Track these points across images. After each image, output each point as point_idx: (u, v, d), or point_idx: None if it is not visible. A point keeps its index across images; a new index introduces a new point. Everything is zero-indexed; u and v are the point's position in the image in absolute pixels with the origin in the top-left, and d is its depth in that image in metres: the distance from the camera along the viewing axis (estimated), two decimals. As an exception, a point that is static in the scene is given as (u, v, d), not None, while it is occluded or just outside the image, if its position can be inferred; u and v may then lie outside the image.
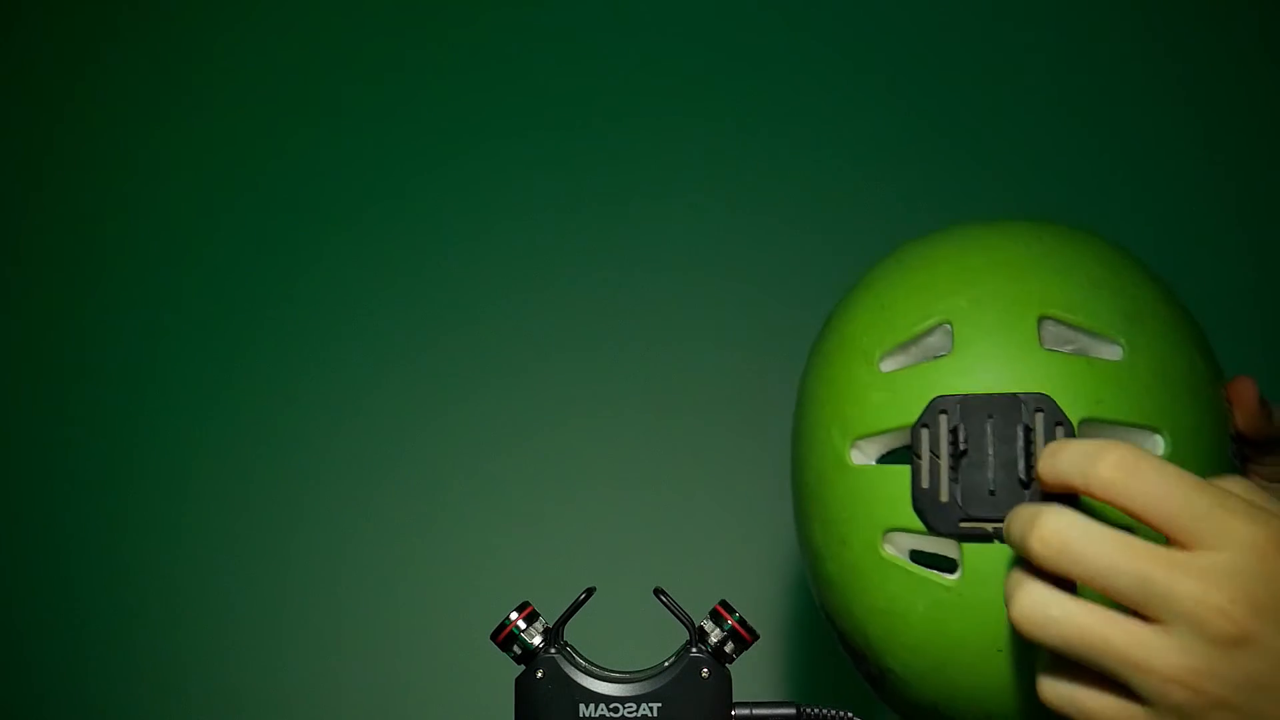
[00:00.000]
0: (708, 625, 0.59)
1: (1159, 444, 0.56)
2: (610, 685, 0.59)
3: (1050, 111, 1.04)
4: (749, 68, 1.04)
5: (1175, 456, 0.56)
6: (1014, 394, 0.56)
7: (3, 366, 1.06)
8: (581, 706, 0.58)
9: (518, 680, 0.59)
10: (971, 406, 0.56)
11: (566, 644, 0.60)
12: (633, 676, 0.59)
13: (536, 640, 0.59)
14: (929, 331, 0.58)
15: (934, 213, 0.97)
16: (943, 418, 0.56)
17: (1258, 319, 1.00)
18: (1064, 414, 0.55)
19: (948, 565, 0.56)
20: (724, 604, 0.60)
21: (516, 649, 0.60)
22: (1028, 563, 0.50)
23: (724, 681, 0.59)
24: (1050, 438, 0.55)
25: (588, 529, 0.99)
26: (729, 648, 0.59)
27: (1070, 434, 0.55)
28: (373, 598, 1.04)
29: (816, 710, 0.61)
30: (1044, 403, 0.56)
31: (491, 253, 1.03)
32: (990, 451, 0.56)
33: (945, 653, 0.56)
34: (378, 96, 1.05)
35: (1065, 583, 0.51)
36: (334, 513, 1.04)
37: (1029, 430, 0.55)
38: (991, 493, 0.55)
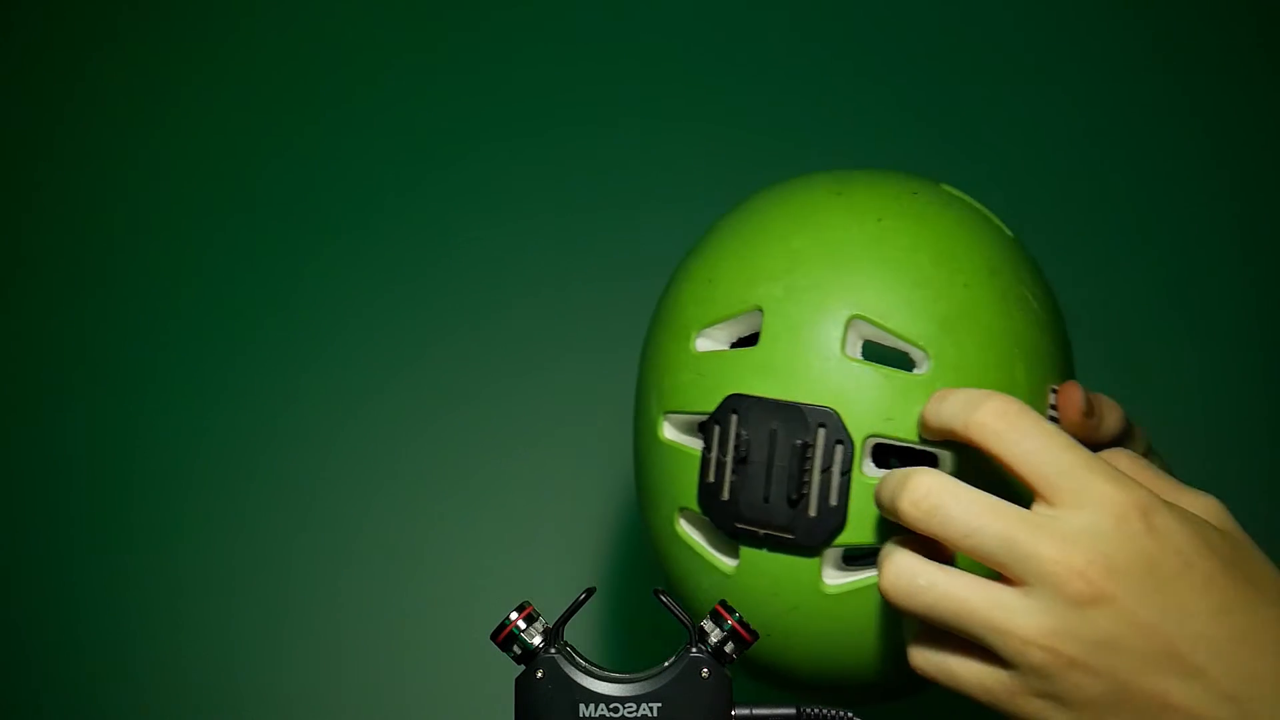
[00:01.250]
0: (708, 625, 0.59)
1: (946, 462, 0.56)
2: (610, 685, 0.59)
3: (1050, 110, 1.04)
4: (756, 70, 1.04)
5: (959, 474, 0.56)
6: (799, 406, 0.56)
7: (3, 366, 1.06)
8: (581, 706, 0.58)
9: (518, 680, 0.59)
10: (758, 414, 0.57)
11: (566, 644, 0.60)
12: (633, 676, 0.59)
13: (536, 640, 0.59)
14: (743, 315, 0.59)
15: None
16: (734, 417, 0.57)
17: (1258, 319, 1.00)
18: (846, 432, 0.56)
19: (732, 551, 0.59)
20: (724, 604, 0.60)
21: (516, 649, 0.59)
22: (898, 536, 0.52)
23: (724, 681, 0.59)
24: (829, 456, 0.56)
25: (588, 529, 0.99)
26: (729, 648, 0.59)
27: (850, 454, 0.56)
28: (373, 598, 1.04)
29: (816, 710, 0.61)
30: (827, 418, 0.56)
31: (495, 255, 1.03)
32: (768, 462, 0.57)
33: None
34: (378, 96, 1.05)
35: (935, 552, 0.52)
36: (334, 512, 1.04)
37: (808, 447, 0.56)
38: (766, 500, 0.57)
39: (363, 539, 1.03)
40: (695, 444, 0.60)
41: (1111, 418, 0.61)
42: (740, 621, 0.59)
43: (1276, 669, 0.48)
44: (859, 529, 0.57)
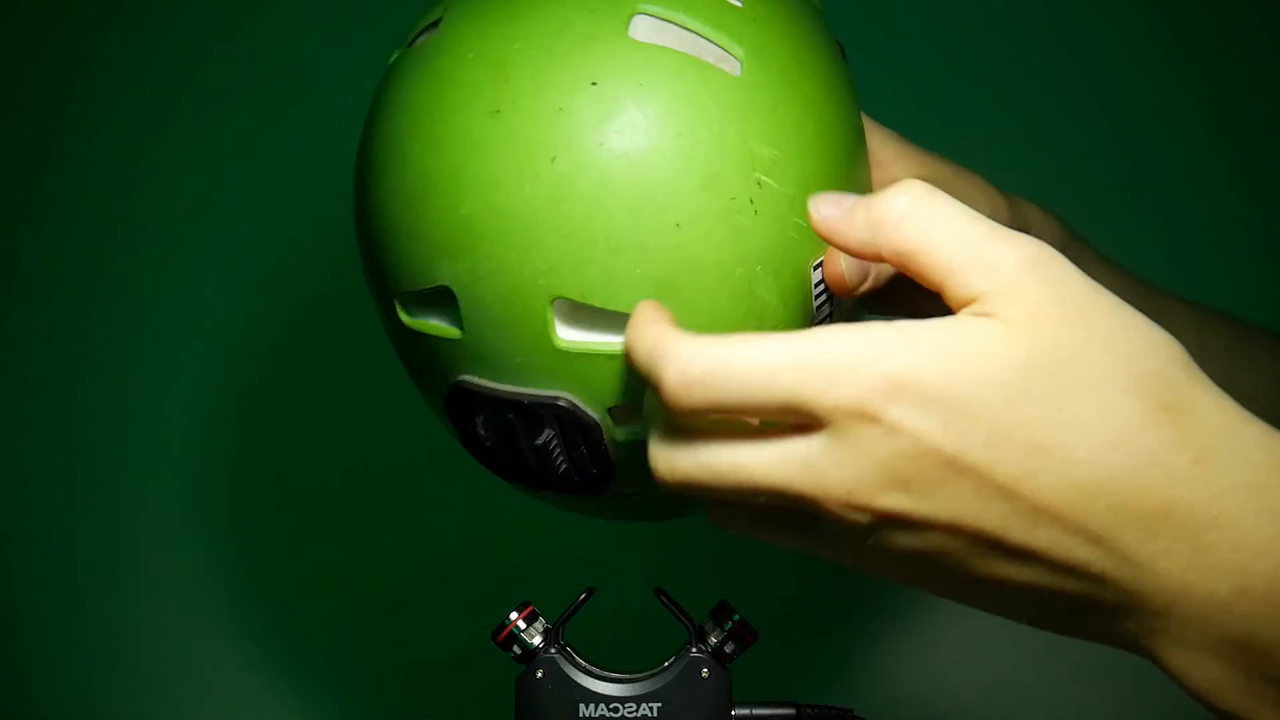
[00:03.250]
0: (708, 625, 0.59)
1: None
2: (610, 685, 0.59)
3: (1049, 109, 1.04)
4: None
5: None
6: (526, 403, 0.52)
7: (4, 365, 1.06)
8: (581, 706, 0.58)
9: (518, 680, 0.59)
10: (489, 407, 0.53)
11: (566, 644, 0.60)
12: (633, 676, 0.59)
13: (536, 640, 0.59)
14: (436, 289, 0.52)
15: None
16: (466, 406, 0.54)
17: (1259, 316, 1.01)
18: (589, 413, 0.52)
19: None
20: (724, 604, 0.60)
21: (516, 649, 0.60)
22: (655, 425, 0.45)
23: (724, 681, 0.59)
24: (574, 440, 0.52)
25: (588, 529, 0.99)
26: (729, 648, 0.59)
27: (599, 436, 0.52)
28: (372, 598, 1.04)
29: (816, 710, 0.61)
30: (560, 411, 0.52)
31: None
32: (517, 449, 0.54)
33: None
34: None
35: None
36: (334, 512, 1.04)
37: (551, 440, 0.53)
38: (530, 467, 0.54)
39: (363, 539, 1.03)
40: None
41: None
42: (740, 621, 0.59)
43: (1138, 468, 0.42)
44: (629, 475, 0.54)
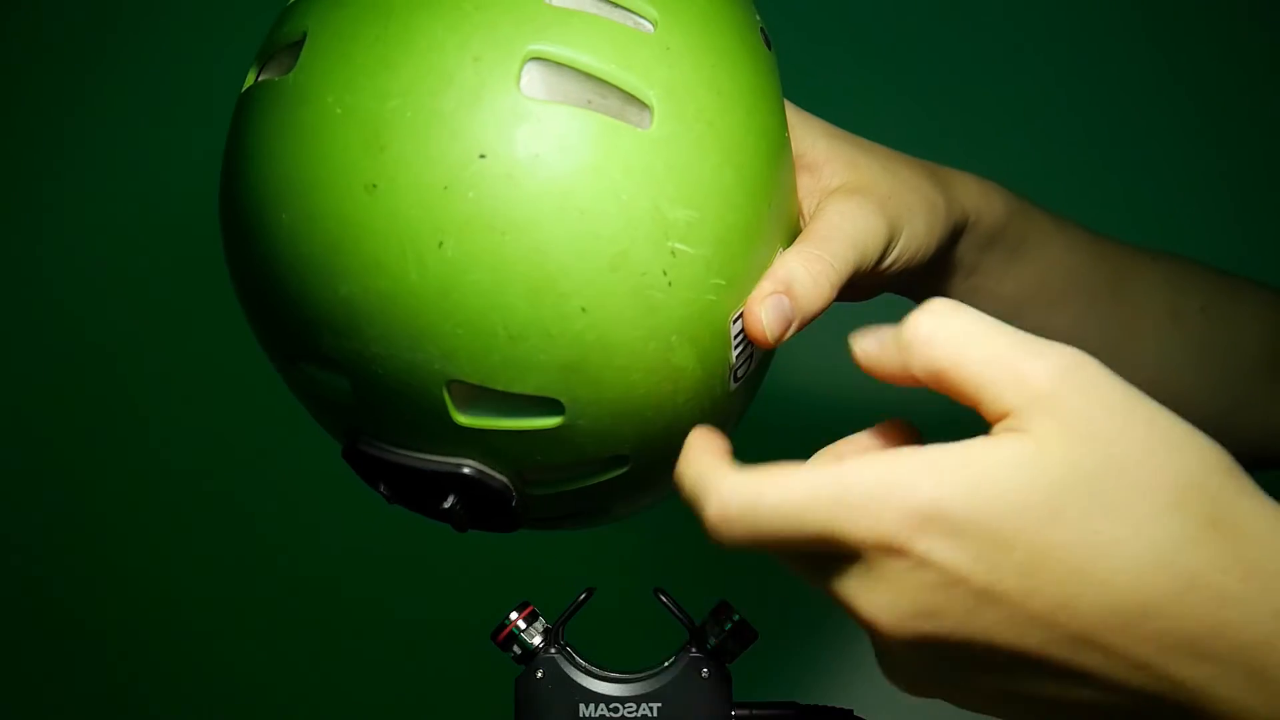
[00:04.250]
0: (708, 625, 0.59)
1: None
2: (610, 685, 0.59)
3: (1049, 108, 1.04)
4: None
5: (635, 475, 0.50)
6: (428, 472, 0.49)
7: (4, 365, 1.06)
8: (581, 706, 0.58)
9: (518, 680, 0.59)
10: (391, 475, 0.51)
11: (566, 644, 0.60)
12: (633, 676, 0.59)
13: (536, 640, 0.59)
14: (325, 359, 0.48)
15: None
16: (364, 465, 0.51)
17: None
18: (497, 477, 0.49)
19: None
20: (724, 604, 0.60)
21: (516, 649, 0.59)
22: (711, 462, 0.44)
23: (724, 681, 0.59)
24: (481, 503, 0.50)
25: (588, 529, 0.99)
26: (729, 648, 0.59)
27: (509, 497, 0.50)
28: (372, 598, 1.04)
29: (816, 710, 0.61)
30: (465, 480, 0.49)
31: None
32: (426, 507, 0.52)
33: None
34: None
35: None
36: (333, 511, 1.04)
37: (455, 506, 0.51)
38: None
39: (363, 539, 1.03)
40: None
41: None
42: (740, 621, 0.59)
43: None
44: (543, 514, 0.53)
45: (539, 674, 0.59)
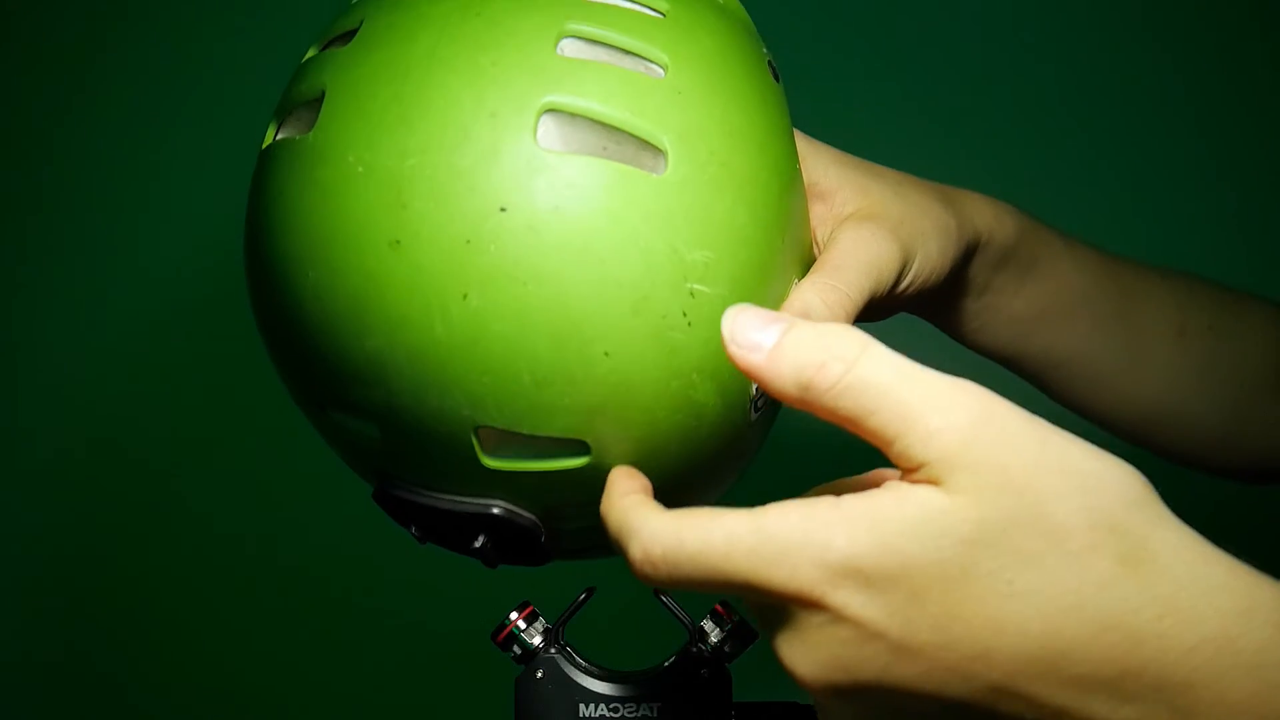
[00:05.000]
0: (708, 625, 0.59)
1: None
2: (610, 685, 0.59)
3: (1048, 108, 1.04)
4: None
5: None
6: (458, 513, 0.50)
7: (4, 364, 1.06)
8: (581, 706, 0.58)
9: (518, 680, 0.59)
10: (420, 516, 0.51)
11: (566, 644, 0.60)
12: (633, 676, 0.59)
13: (536, 640, 0.59)
14: (353, 405, 0.49)
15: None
16: (394, 507, 0.52)
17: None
18: (526, 515, 0.50)
19: None
20: (724, 604, 0.60)
21: (516, 649, 0.60)
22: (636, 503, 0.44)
23: (724, 681, 0.59)
24: (511, 541, 0.51)
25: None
26: (729, 648, 0.59)
27: (538, 534, 0.51)
28: (373, 598, 1.04)
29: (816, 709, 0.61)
30: (493, 520, 0.50)
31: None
32: (457, 547, 0.52)
33: None
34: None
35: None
36: (334, 512, 1.04)
37: (486, 545, 0.51)
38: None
39: (363, 539, 1.03)
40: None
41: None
42: (740, 621, 0.59)
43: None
44: (572, 546, 0.54)
45: (539, 674, 0.59)
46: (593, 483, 0.48)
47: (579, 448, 0.48)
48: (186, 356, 1.06)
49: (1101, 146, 1.04)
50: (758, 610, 0.44)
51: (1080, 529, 0.40)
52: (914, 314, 0.63)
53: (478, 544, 0.51)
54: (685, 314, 0.46)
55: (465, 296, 0.45)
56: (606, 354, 0.46)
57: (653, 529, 0.43)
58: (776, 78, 0.53)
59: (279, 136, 0.51)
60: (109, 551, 1.06)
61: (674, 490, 0.50)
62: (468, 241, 0.45)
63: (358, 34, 0.49)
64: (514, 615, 0.60)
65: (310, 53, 0.52)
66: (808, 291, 0.51)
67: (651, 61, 0.48)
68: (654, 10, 0.49)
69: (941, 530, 0.40)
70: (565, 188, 0.45)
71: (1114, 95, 1.04)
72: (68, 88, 1.06)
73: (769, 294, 0.50)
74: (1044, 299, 0.65)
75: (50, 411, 1.06)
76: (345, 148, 0.46)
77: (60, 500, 1.06)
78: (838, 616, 0.41)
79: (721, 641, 0.59)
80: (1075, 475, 0.40)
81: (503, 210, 0.45)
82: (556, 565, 0.57)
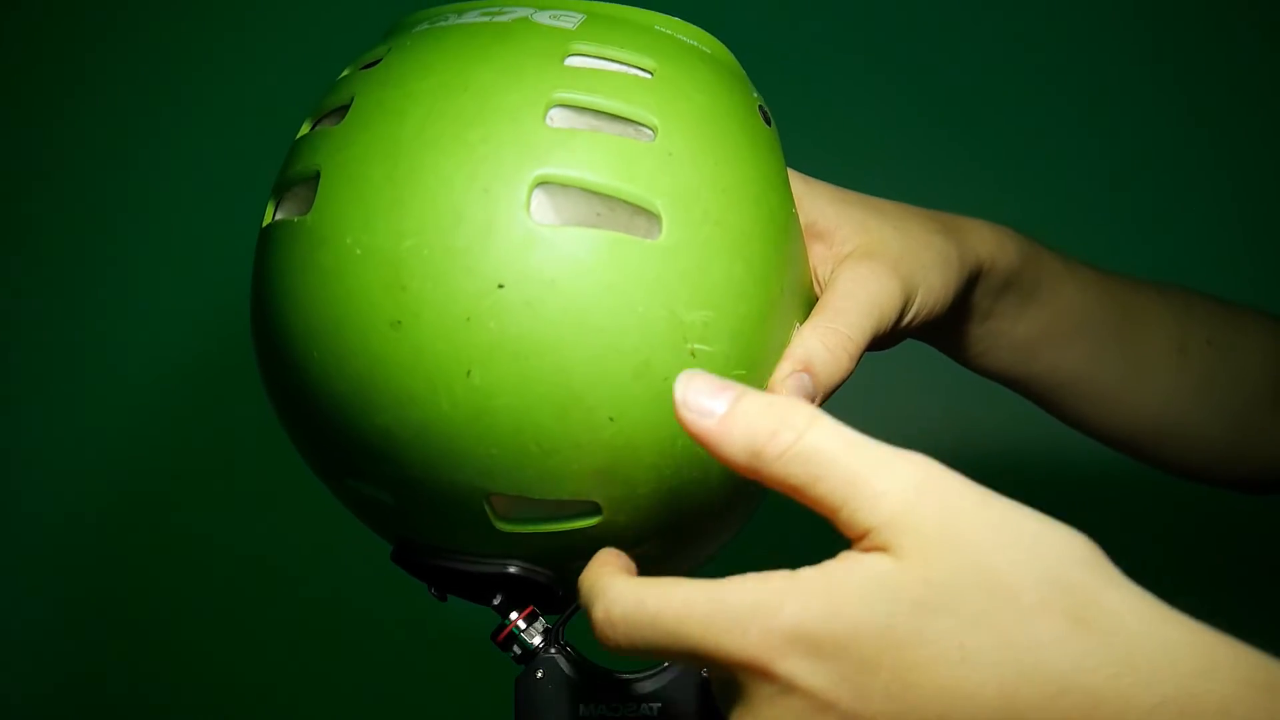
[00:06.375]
0: (708, 625, 0.59)
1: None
2: (610, 685, 0.59)
3: (1048, 109, 1.04)
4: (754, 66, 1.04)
5: (668, 555, 0.52)
6: (475, 574, 0.51)
7: (4, 364, 1.06)
8: (581, 706, 0.58)
9: (518, 680, 0.59)
10: (436, 574, 0.52)
11: (566, 644, 0.60)
12: (633, 676, 0.59)
13: (536, 640, 0.59)
14: (365, 474, 0.50)
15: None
16: (412, 564, 0.53)
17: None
18: (542, 572, 0.52)
19: None
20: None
21: (516, 649, 0.59)
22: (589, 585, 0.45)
23: (724, 681, 0.59)
24: (529, 597, 0.52)
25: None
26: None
27: (555, 589, 0.52)
28: (373, 597, 1.04)
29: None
30: (514, 573, 0.51)
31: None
32: (477, 602, 0.53)
33: None
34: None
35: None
36: (334, 511, 1.04)
37: (503, 599, 0.53)
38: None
39: (364, 539, 1.03)
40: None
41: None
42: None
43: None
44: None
45: (539, 674, 0.59)
46: (607, 539, 0.49)
47: (590, 508, 0.49)
48: (186, 369, 1.06)
49: (1110, 157, 1.04)
50: (716, 686, 0.44)
51: (1029, 586, 0.39)
52: (919, 340, 0.63)
53: (496, 601, 0.52)
54: (691, 364, 0.47)
55: (469, 373, 0.46)
56: (611, 419, 0.46)
57: (617, 591, 0.43)
58: (769, 122, 0.53)
59: (278, 216, 0.51)
60: (107, 553, 1.06)
61: (685, 537, 0.51)
62: (468, 319, 0.45)
63: (349, 112, 0.49)
64: (514, 615, 0.60)
65: (304, 129, 0.52)
66: (809, 337, 0.52)
67: (641, 124, 0.48)
68: (642, 70, 0.49)
69: (891, 594, 0.40)
70: (560, 261, 0.45)
71: (1114, 98, 1.04)
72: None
73: (770, 343, 0.50)
74: (1046, 322, 0.65)
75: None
76: (343, 230, 0.47)
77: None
78: (787, 687, 0.40)
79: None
80: (1021, 535, 0.40)
81: (500, 287, 0.45)
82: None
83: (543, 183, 0.46)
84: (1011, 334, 0.64)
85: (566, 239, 0.46)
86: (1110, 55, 1.04)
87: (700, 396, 0.43)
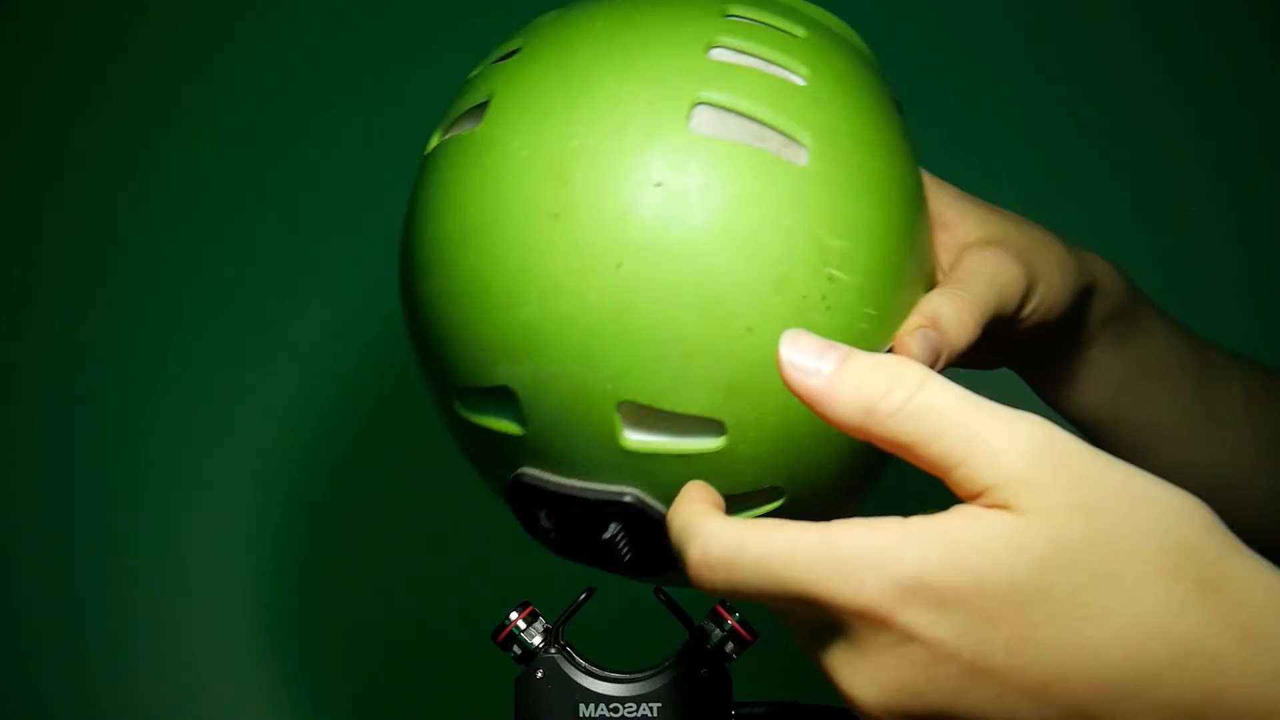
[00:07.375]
0: (708, 625, 0.59)
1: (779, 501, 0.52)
2: (610, 685, 0.59)
3: (1048, 109, 1.04)
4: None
5: (788, 512, 0.51)
6: (589, 500, 0.51)
7: (5, 364, 1.06)
8: (581, 706, 0.58)
9: (518, 680, 0.59)
10: (552, 502, 0.52)
11: (566, 644, 0.60)
12: (633, 676, 0.59)
13: (536, 640, 0.59)
14: (496, 390, 0.51)
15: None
16: (528, 499, 0.53)
17: (1257, 318, 1.01)
18: (657, 508, 0.51)
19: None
20: (724, 604, 0.60)
21: (516, 649, 0.60)
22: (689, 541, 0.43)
23: (724, 681, 0.59)
24: (641, 534, 0.51)
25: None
26: (729, 648, 0.59)
27: (660, 528, 0.50)
28: (373, 598, 1.04)
29: (816, 710, 0.61)
30: (626, 508, 0.51)
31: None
32: (587, 539, 0.53)
33: None
34: (378, 98, 1.05)
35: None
36: (334, 512, 1.04)
37: (615, 535, 0.52)
38: (590, 554, 0.54)
39: (362, 539, 1.03)
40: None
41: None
42: (740, 621, 0.59)
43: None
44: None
45: (539, 674, 0.59)
46: (726, 471, 0.49)
47: (716, 428, 0.49)
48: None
49: (1110, 157, 1.04)
50: (809, 627, 0.42)
51: (1156, 552, 0.39)
52: (1014, 367, 0.64)
53: (608, 534, 0.52)
54: (824, 297, 0.49)
55: (619, 265, 0.47)
56: (749, 329, 0.48)
57: (714, 529, 0.42)
58: (901, 112, 0.56)
59: (446, 138, 0.53)
60: (109, 553, 1.06)
61: (802, 492, 0.51)
62: (623, 214, 0.48)
63: (520, 51, 0.52)
64: (514, 615, 0.60)
65: (475, 71, 0.55)
66: (937, 298, 0.52)
67: (793, 72, 0.51)
68: (793, 34, 0.52)
69: (1016, 548, 0.39)
70: (714, 166, 0.48)
71: (1114, 98, 1.04)
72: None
73: (899, 297, 0.51)
74: (1137, 362, 0.65)
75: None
76: (511, 135, 0.50)
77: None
78: (906, 636, 0.40)
79: (721, 641, 0.59)
80: (1144, 500, 0.40)
81: (657, 186, 0.48)
82: (557, 565, 0.57)
83: (703, 104, 0.49)
84: (1107, 366, 0.64)
85: (722, 149, 0.48)
86: (1110, 54, 1.04)
87: (806, 355, 0.43)
